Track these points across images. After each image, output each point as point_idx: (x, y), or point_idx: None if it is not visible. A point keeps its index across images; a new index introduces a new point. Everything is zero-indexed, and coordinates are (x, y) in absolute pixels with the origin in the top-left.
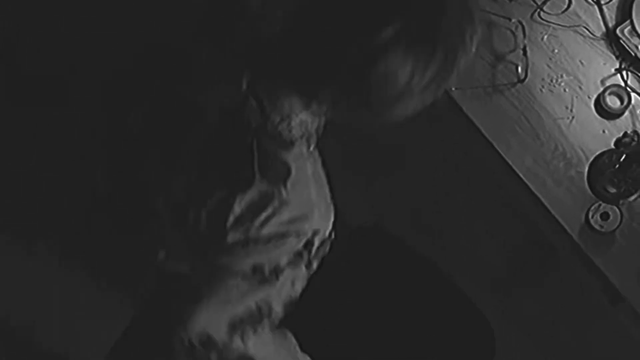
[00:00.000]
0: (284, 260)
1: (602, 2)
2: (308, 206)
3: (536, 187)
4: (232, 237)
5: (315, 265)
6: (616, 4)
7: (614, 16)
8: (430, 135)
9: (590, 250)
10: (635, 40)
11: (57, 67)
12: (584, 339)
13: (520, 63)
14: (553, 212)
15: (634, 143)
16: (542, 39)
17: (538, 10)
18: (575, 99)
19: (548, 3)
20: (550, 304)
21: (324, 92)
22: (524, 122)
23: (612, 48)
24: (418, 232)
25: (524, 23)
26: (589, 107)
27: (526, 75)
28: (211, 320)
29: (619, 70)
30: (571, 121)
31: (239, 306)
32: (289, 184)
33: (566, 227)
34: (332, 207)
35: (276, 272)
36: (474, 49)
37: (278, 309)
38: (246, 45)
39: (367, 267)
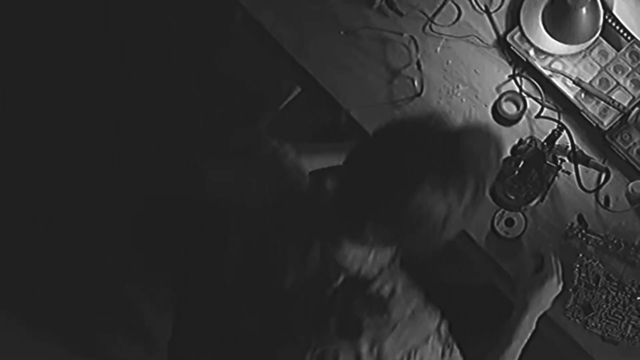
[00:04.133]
0: None
1: (491, 10)
2: (411, 320)
3: None
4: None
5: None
6: (505, 11)
7: (503, 23)
8: None
9: (498, 256)
10: (525, 45)
11: None
12: None
13: (415, 77)
14: None
15: (530, 149)
16: (436, 51)
17: (429, 22)
18: (472, 107)
19: (438, 15)
20: (468, 310)
21: (374, 232)
22: None
23: (504, 55)
24: None
25: (416, 37)
26: (487, 115)
27: (422, 89)
28: None
29: (512, 77)
30: None
31: None
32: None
33: (473, 235)
34: (433, 307)
35: None
36: (500, 163)
37: None
38: (309, 222)
39: None
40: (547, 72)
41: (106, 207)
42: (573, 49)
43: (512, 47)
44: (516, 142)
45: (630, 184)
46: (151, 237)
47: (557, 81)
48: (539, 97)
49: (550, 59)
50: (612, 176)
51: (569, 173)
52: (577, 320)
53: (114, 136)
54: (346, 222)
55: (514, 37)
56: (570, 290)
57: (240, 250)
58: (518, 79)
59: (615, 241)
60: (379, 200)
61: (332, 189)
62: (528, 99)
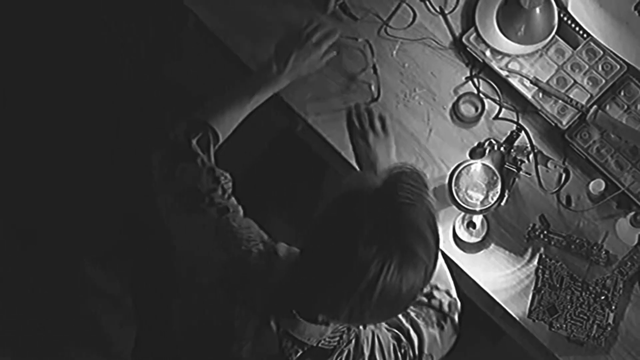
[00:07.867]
0: None
1: (446, 11)
2: None
3: None
4: None
5: None
6: (460, 13)
7: (459, 25)
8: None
9: (460, 260)
10: (481, 46)
11: None
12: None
13: (372, 81)
14: None
15: (489, 150)
16: (392, 54)
17: (384, 26)
18: (431, 111)
19: (393, 18)
20: None
21: (341, 313)
22: None
23: (461, 56)
24: None
25: (372, 41)
26: (445, 118)
27: (379, 93)
28: None
29: (470, 78)
30: (429, 134)
31: None
32: None
33: None
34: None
35: None
36: (440, 227)
37: None
38: (263, 297)
39: None
40: (504, 73)
41: (103, 208)
42: (529, 48)
43: (468, 49)
44: (475, 144)
45: (591, 183)
46: (138, 245)
47: (514, 81)
48: (497, 98)
49: (507, 59)
50: (572, 176)
51: (529, 174)
52: (542, 321)
53: (113, 136)
54: (299, 309)
55: (469, 38)
56: (534, 291)
57: (191, 312)
58: (475, 80)
59: (577, 241)
60: (334, 295)
61: (285, 256)
62: (486, 100)
